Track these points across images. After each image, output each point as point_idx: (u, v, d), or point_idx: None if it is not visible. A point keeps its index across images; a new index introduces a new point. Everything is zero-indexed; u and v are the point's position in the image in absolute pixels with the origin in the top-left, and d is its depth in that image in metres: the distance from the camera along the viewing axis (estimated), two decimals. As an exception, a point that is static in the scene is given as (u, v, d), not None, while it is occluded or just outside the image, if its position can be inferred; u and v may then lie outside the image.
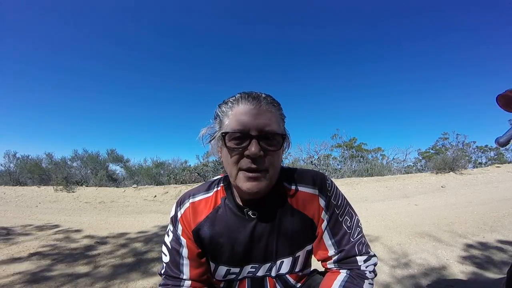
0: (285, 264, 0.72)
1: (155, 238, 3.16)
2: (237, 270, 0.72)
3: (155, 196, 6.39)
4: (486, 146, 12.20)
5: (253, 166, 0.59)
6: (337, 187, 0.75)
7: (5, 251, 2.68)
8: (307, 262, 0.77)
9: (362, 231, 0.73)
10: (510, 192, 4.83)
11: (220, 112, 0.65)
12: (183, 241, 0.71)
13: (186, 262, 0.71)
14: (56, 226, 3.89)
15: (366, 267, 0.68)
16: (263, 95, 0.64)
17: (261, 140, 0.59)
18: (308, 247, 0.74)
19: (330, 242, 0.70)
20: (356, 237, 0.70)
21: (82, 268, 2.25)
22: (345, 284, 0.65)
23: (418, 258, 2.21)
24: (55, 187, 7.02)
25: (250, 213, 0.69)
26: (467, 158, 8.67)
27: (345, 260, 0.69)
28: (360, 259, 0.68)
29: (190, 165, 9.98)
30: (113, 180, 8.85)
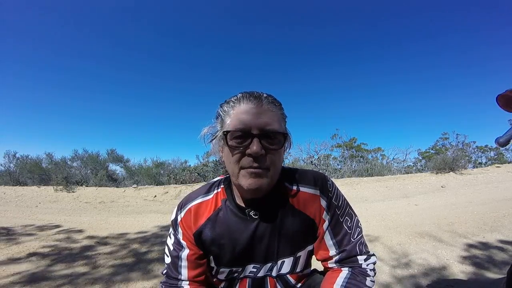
0: (286, 264, 0.73)
1: (155, 238, 3.16)
2: (239, 269, 0.73)
3: (155, 196, 6.39)
4: (486, 146, 12.21)
5: (255, 164, 0.59)
6: (337, 188, 0.75)
7: (5, 251, 2.68)
8: (308, 262, 0.77)
9: (362, 231, 0.73)
10: (510, 192, 4.83)
11: (221, 111, 0.66)
12: (184, 244, 0.72)
13: (184, 264, 0.71)
14: (56, 226, 3.89)
15: (367, 265, 0.69)
16: (265, 94, 0.65)
17: (262, 139, 0.60)
18: (309, 247, 0.74)
19: (331, 242, 0.70)
20: (356, 237, 0.71)
21: (82, 268, 2.25)
22: (348, 281, 0.65)
23: (418, 258, 2.21)
24: (55, 187, 7.02)
25: (251, 213, 0.69)
26: (467, 158, 8.68)
27: (347, 260, 0.69)
28: (360, 258, 0.69)
29: (190, 165, 9.99)
30: (113, 180, 8.85)
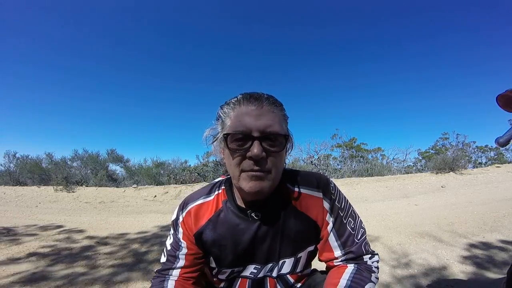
0: (287, 265, 0.73)
1: (155, 239, 3.16)
2: (240, 269, 0.73)
3: (155, 196, 6.39)
4: (486, 146, 12.21)
5: (256, 167, 0.59)
6: (339, 190, 0.75)
7: (5, 251, 2.67)
8: (308, 263, 0.77)
9: (365, 232, 0.74)
10: (510, 192, 4.83)
11: (222, 113, 0.65)
12: (183, 243, 0.72)
13: (181, 262, 0.72)
14: (56, 226, 3.89)
15: (372, 262, 0.70)
16: (265, 95, 0.64)
17: (263, 141, 0.59)
18: (310, 248, 0.74)
19: (336, 244, 0.70)
20: (360, 237, 0.71)
21: (81, 269, 2.25)
22: (355, 275, 0.66)
23: (418, 258, 2.21)
24: (55, 187, 7.02)
25: (253, 214, 0.69)
26: (467, 158, 8.67)
27: (353, 259, 0.70)
28: (366, 257, 0.70)
29: (190, 165, 9.98)
30: (113, 180, 8.85)
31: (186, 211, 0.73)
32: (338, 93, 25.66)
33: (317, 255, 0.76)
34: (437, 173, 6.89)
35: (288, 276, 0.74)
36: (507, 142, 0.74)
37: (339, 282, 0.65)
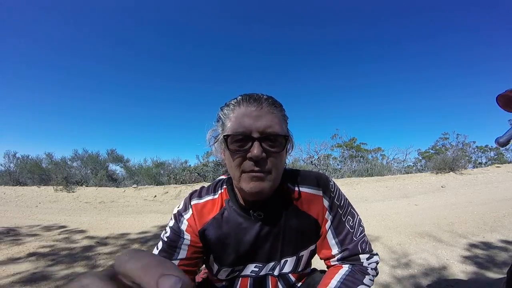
0: (289, 263, 0.73)
1: (155, 239, 3.16)
2: (240, 267, 0.73)
3: (155, 196, 6.38)
4: (486, 146, 12.21)
5: (256, 168, 0.59)
6: (339, 188, 0.76)
7: (5, 251, 2.67)
8: (309, 262, 0.78)
9: (364, 230, 0.74)
10: (510, 192, 4.82)
11: (222, 114, 0.66)
12: (187, 235, 0.70)
13: (182, 255, 0.69)
14: (56, 226, 3.89)
15: (369, 264, 0.69)
16: (265, 96, 0.65)
17: (263, 142, 0.60)
18: (312, 247, 0.75)
19: (333, 241, 0.71)
20: (358, 236, 0.71)
21: (81, 269, 2.24)
22: (346, 277, 0.66)
23: (418, 258, 2.21)
24: (55, 187, 7.01)
25: (256, 214, 0.69)
26: (467, 158, 8.67)
27: (348, 258, 0.70)
28: (363, 257, 0.70)
29: (190, 165, 9.97)
30: (113, 180, 8.84)
31: (192, 206, 0.72)
32: (338, 93, 25.72)
33: (316, 253, 0.77)
34: (437, 173, 6.89)
35: (289, 275, 0.75)
36: (507, 142, 0.74)
37: (330, 282, 0.66)
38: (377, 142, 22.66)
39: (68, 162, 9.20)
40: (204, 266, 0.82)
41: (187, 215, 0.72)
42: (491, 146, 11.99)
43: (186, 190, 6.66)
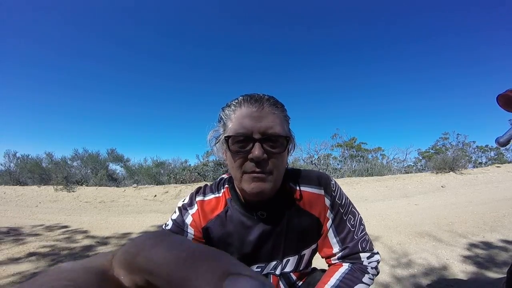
0: (291, 262, 0.74)
1: (155, 238, 3.16)
2: None
3: (155, 195, 6.39)
4: (486, 146, 12.20)
5: (257, 169, 0.60)
6: (340, 187, 0.76)
7: (5, 251, 2.68)
8: (311, 260, 0.78)
9: (365, 229, 0.74)
10: (510, 192, 4.82)
11: (223, 115, 0.66)
12: (191, 229, 0.70)
13: None
14: (56, 225, 3.89)
15: (369, 263, 0.70)
16: (266, 96, 0.64)
17: (264, 143, 0.60)
18: (313, 246, 0.75)
19: (335, 240, 0.71)
20: (359, 234, 0.72)
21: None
22: (345, 275, 0.67)
23: (418, 258, 2.21)
24: (55, 186, 7.02)
25: (258, 213, 0.69)
26: (467, 158, 8.67)
27: (349, 256, 0.71)
28: (363, 255, 0.70)
29: (190, 164, 9.98)
30: (113, 180, 8.85)
31: (198, 202, 0.73)
32: (338, 93, 25.73)
33: (318, 251, 0.77)
34: (437, 173, 6.89)
35: (291, 274, 0.75)
36: (507, 142, 0.74)
37: (329, 280, 0.66)
38: (377, 142, 22.70)
39: (68, 162, 9.21)
40: None
41: (192, 210, 0.72)
42: (491, 146, 11.99)
43: (186, 189, 6.67)
